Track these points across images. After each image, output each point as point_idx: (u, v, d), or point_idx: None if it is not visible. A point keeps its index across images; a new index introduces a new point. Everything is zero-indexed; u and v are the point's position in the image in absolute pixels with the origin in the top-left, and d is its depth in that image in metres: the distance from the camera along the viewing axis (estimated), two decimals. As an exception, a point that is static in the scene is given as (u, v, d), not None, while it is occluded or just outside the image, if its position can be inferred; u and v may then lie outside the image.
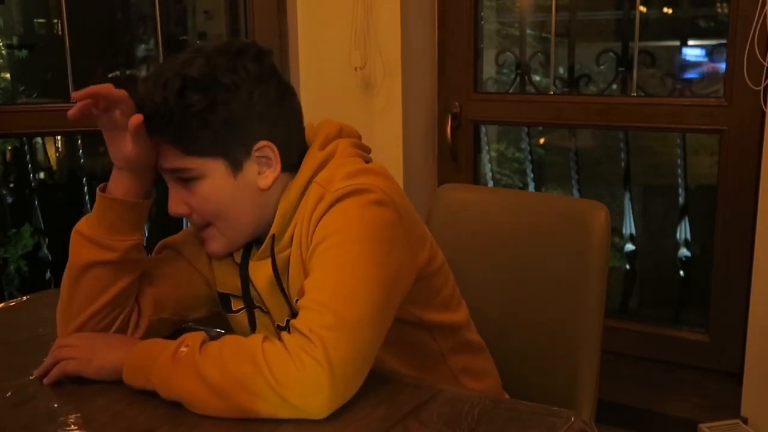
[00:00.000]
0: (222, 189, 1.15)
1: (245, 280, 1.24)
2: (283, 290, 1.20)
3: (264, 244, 1.19)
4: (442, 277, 1.25)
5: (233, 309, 1.28)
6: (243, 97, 1.13)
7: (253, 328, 1.27)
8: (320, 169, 1.16)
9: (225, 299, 1.29)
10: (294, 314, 1.17)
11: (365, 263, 1.05)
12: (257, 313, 1.26)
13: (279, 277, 1.19)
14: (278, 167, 1.17)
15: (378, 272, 1.05)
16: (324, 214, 1.10)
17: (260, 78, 1.14)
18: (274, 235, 1.18)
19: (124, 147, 1.13)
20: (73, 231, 1.19)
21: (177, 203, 1.16)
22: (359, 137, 1.27)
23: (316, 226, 1.10)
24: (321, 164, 1.17)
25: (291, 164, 1.18)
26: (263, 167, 1.16)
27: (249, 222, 1.18)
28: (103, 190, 1.18)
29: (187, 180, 1.15)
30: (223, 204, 1.16)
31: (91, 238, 1.17)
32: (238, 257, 1.24)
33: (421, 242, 1.19)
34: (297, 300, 1.11)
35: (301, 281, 1.11)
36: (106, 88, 1.10)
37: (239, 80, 1.12)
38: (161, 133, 1.13)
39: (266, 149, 1.15)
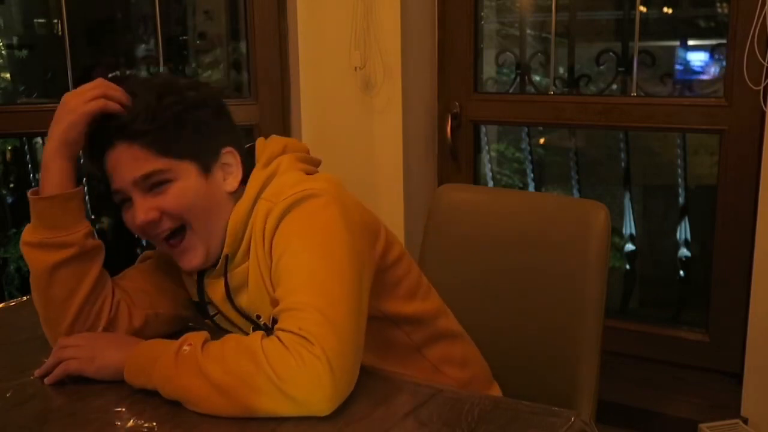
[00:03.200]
0: (195, 189, 1.18)
1: (201, 295, 1.27)
2: (236, 308, 1.24)
3: (219, 265, 1.22)
4: (401, 268, 1.27)
5: (210, 314, 1.31)
6: (212, 105, 1.21)
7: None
8: (265, 187, 1.20)
9: (202, 307, 1.31)
10: (256, 327, 1.21)
11: (331, 261, 1.08)
12: (225, 322, 1.28)
13: (230, 296, 1.23)
14: (239, 174, 1.22)
15: (345, 266, 1.08)
16: (277, 224, 1.13)
17: (220, 95, 1.25)
18: (227, 255, 1.20)
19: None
20: (21, 245, 1.19)
21: (146, 211, 1.16)
22: (306, 151, 1.31)
23: (272, 238, 1.13)
24: (265, 181, 1.21)
25: (246, 177, 1.24)
26: (226, 174, 1.21)
27: (223, 226, 1.20)
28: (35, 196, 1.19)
29: (158, 185, 1.16)
30: (197, 201, 1.18)
31: (44, 242, 1.17)
32: (194, 274, 1.26)
33: (375, 234, 1.22)
34: (273, 316, 1.11)
35: (262, 294, 1.16)
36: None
37: (204, 93, 1.21)
38: (140, 134, 1.14)
39: (230, 155, 1.21)
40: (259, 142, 1.27)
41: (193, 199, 1.17)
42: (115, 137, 1.16)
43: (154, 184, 1.16)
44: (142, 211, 1.16)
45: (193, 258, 1.21)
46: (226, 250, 1.20)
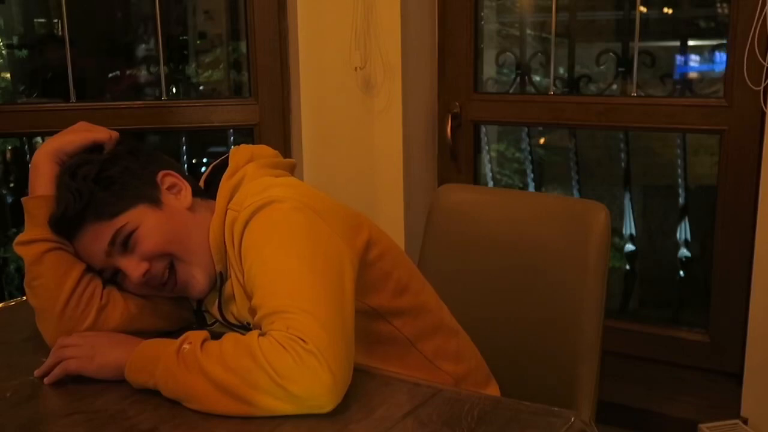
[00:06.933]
0: (159, 223, 1.21)
1: (199, 308, 1.30)
2: (228, 322, 1.26)
3: (217, 283, 1.24)
4: (388, 262, 1.27)
5: (208, 322, 1.32)
6: (121, 154, 1.24)
7: None
8: (232, 197, 1.22)
9: (200, 317, 1.33)
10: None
11: (301, 260, 1.08)
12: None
13: (221, 309, 1.25)
14: (187, 187, 1.25)
15: (316, 263, 1.09)
16: (243, 234, 1.14)
17: (129, 140, 1.30)
18: (221, 273, 1.23)
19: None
20: (15, 246, 1.25)
21: (134, 267, 1.20)
22: (275, 156, 1.32)
23: (240, 248, 1.15)
24: (232, 192, 1.23)
25: (200, 190, 1.28)
26: (176, 194, 1.24)
27: (204, 242, 1.22)
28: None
29: (127, 239, 1.19)
30: (168, 231, 1.21)
31: (35, 239, 1.22)
32: None
33: (353, 230, 1.22)
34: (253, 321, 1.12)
35: (246, 304, 1.16)
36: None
37: (114, 149, 1.26)
38: (85, 216, 1.19)
39: (168, 178, 1.25)
40: (232, 151, 1.29)
41: (163, 232, 1.20)
42: (71, 229, 1.21)
43: (123, 242, 1.19)
44: (131, 269, 1.20)
45: (196, 284, 1.23)
46: (217, 267, 1.22)
